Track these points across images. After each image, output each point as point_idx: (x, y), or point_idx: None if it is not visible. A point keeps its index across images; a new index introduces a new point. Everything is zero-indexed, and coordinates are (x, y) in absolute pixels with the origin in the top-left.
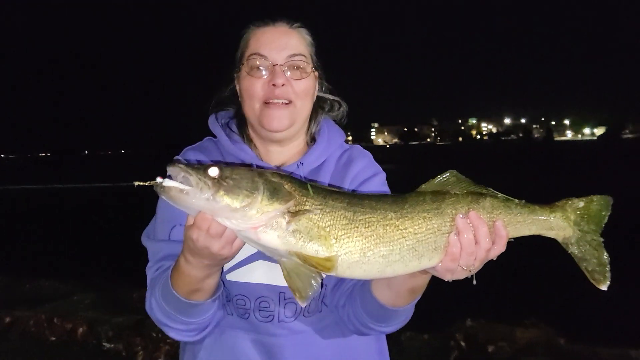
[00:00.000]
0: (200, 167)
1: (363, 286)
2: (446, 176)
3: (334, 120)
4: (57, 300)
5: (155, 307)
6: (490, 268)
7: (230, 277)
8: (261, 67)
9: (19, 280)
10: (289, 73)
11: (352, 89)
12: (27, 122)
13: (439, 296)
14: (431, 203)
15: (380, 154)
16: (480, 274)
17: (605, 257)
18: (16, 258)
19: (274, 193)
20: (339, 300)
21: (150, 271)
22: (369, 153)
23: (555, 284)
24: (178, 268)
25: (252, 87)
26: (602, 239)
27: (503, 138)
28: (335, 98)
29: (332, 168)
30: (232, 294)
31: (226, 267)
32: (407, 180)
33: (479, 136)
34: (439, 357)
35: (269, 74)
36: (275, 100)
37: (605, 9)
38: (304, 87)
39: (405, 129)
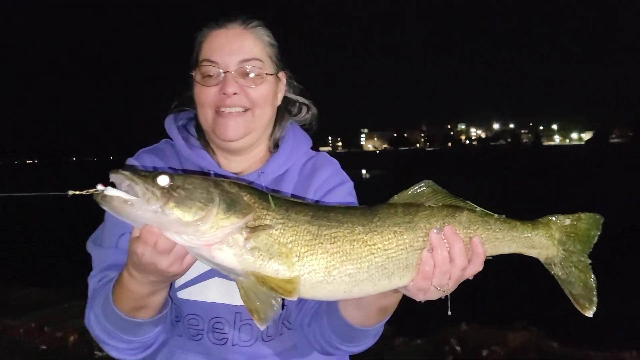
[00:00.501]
0: (149, 175)
1: (330, 305)
2: (420, 187)
3: (302, 126)
4: (47, 308)
5: (94, 322)
6: (482, 272)
7: (182, 294)
8: (212, 74)
9: (7, 288)
10: (242, 80)
11: (342, 95)
12: (12, 127)
13: (431, 301)
14: (403, 216)
15: (370, 160)
16: (475, 276)
17: (592, 280)
18: (3, 266)
19: (231, 205)
20: (303, 319)
21: (92, 281)
22: (336, 161)
23: (547, 288)
24: (121, 282)
25: (203, 96)
26: (589, 261)
27: (492, 143)
28: (304, 101)
29: (295, 177)
30: (183, 313)
31: (178, 283)
32: (397, 186)
33: (468, 141)
34: None
35: (220, 82)
36: (228, 110)
37: (594, 14)
38: (260, 94)
39: (395, 135)
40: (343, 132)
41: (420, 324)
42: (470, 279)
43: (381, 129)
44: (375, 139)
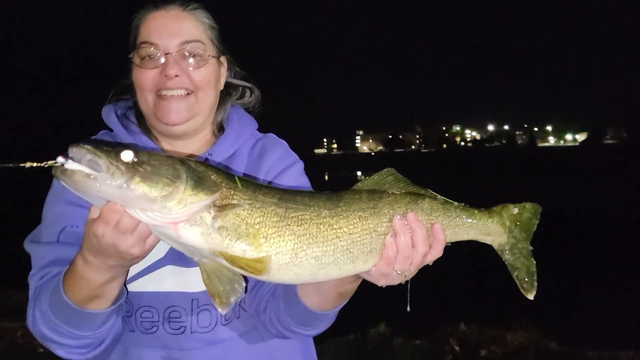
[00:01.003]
0: (112, 150)
1: (287, 289)
2: (384, 174)
3: (247, 109)
4: None
5: (40, 319)
6: (481, 271)
7: (133, 287)
8: (152, 57)
9: (4, 290)
10: (183, 62)
11: (337, 97)
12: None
13: (429, 301)
14: (368, 202)
15: (365, 162)
16: (474, 276)
17: (533, 266)
18: (0, 268)
19: (199, 183)
20: (259, 304)
21: (34, 279)
22: (284, 142)
23: (545, 289)
24: (74, 271)
25: (143, 79)
26: (531, 248)
27: (487, 144)
28: (247, 84)
29: (245, 159)
30: (134, 307)
31: (129, 274)
32: None
33: (463, 143)
34: None
35: (161, 65)
36: (170, 92)
37: (589, 15)
38: (203, 76)
39: (390, 136)
40: (338, 134)
41: (419, 324)
42: (430, 264)
43: (376, 131)
44: (371, 140)
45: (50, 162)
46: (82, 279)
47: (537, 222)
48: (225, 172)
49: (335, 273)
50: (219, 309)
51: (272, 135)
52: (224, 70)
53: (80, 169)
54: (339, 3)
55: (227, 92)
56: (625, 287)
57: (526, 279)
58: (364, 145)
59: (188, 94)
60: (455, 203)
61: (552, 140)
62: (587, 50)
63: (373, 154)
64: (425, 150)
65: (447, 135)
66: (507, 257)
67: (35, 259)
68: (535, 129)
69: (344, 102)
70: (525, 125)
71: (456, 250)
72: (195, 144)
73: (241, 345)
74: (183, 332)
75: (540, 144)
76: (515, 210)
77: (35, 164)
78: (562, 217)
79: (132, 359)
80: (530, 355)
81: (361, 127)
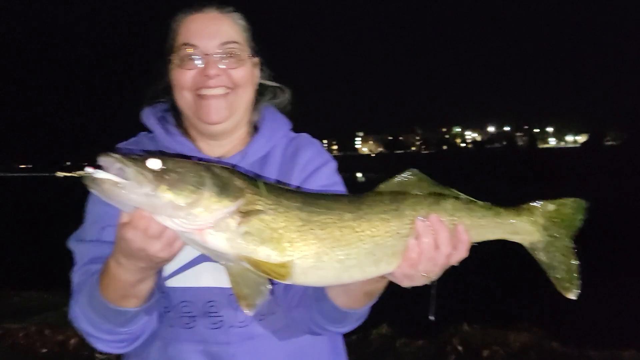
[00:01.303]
0: (138, 158)
1: (317, 288)
2: (407, 175)
3: (278, 109)
4: (47, 312)
5: (80, 315)
6: (482, 272)
7: (172, 283)
8: (192, 58)
9: (6, 292)
10: (223, 62)
11: (337, 99)
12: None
13: (433, 304)
14: (390, 204)
15: (366, 163)
16: (477, 276)
17: (574, 264)
18: (2, 269)
19: (223, 189)
20: (290, 301)
21: (75, 275)
22: (317, 141)
23: (547, 287)
24: (108, 272)
25: (183, 79)
26: (573, 245)
27: (487, 146)
28: (278, 85)
29: (278, 159)
30: (173, 302)
31: (167, 271)
32: None
33: (463, 144)
34: None
35: (202, 65)
36: (211, 92)
37: (589, 17)
38: (241, 75)
39: (390, 138)
40: (338, 135)
41: (422, 324)
42: (456, 265)
43: (376, 133)
44: (371, 142)
45: (80, 172)
46: (115, 279)
47: (581, 217)
48: (250, 177)
49: (359, 275)
50: (245, 311)
51: (305, 135)
52: (257, 71)
53: (109, 178)
54: (338, 4)
55: (260, 93)
56: (627, 287)
57: (566, 277)
58: (364, 147)
59: (227, 93)
60: (480, 202)
61: (552, 142)
62: (587, 51)
63: (373, 155)
64: (426, 152)
65: (447, 136)
66: (539, 255)
67: (78, 257)
68: (536, 130)
69: (344, 104)
70: (526, 127)
71: None
72: (230, 144)
73: (275, 341)
74: (221, 326)
75: (541, 146)
76: (552, 207)
77: (66, 174)
78: None
79: (172, 354)
80: (533, 355)
81: (361, 129)
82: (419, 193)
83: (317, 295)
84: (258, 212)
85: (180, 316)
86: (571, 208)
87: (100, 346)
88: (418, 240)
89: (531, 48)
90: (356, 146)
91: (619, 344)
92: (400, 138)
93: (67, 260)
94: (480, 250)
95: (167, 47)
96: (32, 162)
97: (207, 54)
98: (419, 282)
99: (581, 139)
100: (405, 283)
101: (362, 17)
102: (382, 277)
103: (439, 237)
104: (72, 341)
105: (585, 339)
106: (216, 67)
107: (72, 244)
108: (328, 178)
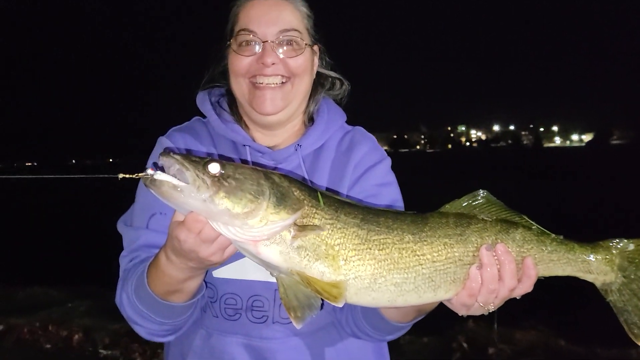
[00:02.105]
0: (199, 161)
1: None
2: (475, 197)
3: (334, 100)
4: (52, 308)
5: (126, 302)
6: None
7: (218, 273)
8: (250, 44)
9: (11, 288)
10: (280, 50)
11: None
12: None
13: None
14: (454, 228)
15: None
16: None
17: None
18: (8, 265)
19: (282, 200)
20: None
21: (124, 261)
22: (372, 136)
23: (554, 286)
24: (157, 265)
25: (240, 65)
26: None
27: (492, 145)
28: (337, 75)
29: (332, 153)
30: (219, 293)
31: None
32: (401, 188)
33: (468, 143)
34: None
35: (259, 52)
36: (267, 81)
37: (595, 14)
38: (299, 64)
39: (395, 136)
40: None
41: (428, 322)
42: (518, 298)
43: (381, 131)
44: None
45: (141, 174)
46: (164, 274)
47: None
48: (309, 187)
49: (415, 301)
50: (294, 323)
51: (360, 129)
52: (316, 60)
53: (169, 181)
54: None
55: (318, 82)
56: None
57: (638, 323)
58: None
59: (283, 82)
60: (553, 235)
61: (558, 141)
62: (592, 50)
63: None
64: (430, 151)
65: (452, 135)
66: (613, 297)
67: (126, 242)
68: (541, 129)
69: (348, 102)
70: (531, 126)
71: None
72: (285, 134)
73: (318, 339)
74: (265, 321)
75: (547, 144)
76: (631, 247)
77: (127, 175)
78: (572, 217)
79: (215, 344)
80: (540, 353)
81: (366, 127)
82: (486, 218)
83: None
84: (315, 227)
85: (225, 308)
86: None
87: (143, 334)
88: (481, 270)
89: (537, 46)
90: None
91: (626, 342)
92: (405, 136)
93: (71, 258)
94: None
95: (226, 31)
96: (35, 160)
97: (265, 41)
98: (477, 311)
99: (587, 137)
100: (462, 311)
101: (366, 13)
102: None
103: (504, 269)
104: (76, 337)
105: (592, 337)
106: (273, 54)
107: (121, 227)
108: (383, 177)
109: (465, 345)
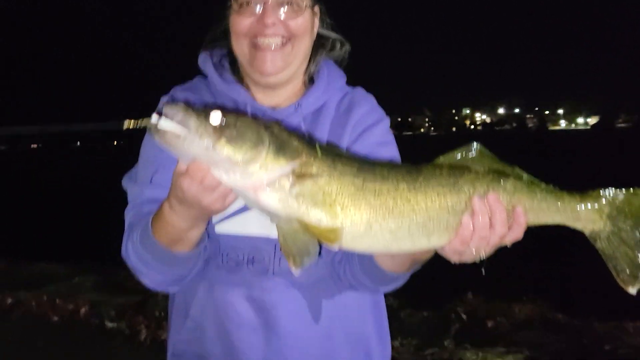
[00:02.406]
0: (202, 111)
1: None
2: (468, 149)
3: (335, 61)
4: (59, 283)
5: (132, 251)
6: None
7: (219, 228)
8: (251, 4)
9: (19, 263)
10: (281, 10)
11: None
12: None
13: (437, 273)
14: (448, 178)
15: None
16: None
17: (638, 257)
18: (15, 240)
19: (281, 148)
20: (335, 254)
21: (128, 214)
22: (372, 96)
23: (552, 259)
24: (161, 215)
25: (240, 25)
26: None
27: (497, 128)
28: (337, 36)
29: (332, 112)
30: (221, 247)
31: (216, 217)
32: None
33: (472, 126)
34: (438, 334)
35: (259, 12)
36: (267, 41)
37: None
38: (299, 24)
39: (399, 119)
40: None
41: (427, 295)
42: (508, 246)
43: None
44: None
45: (145, 121)
46: (168, 224)
47: None
48: (308, 139)
49: (409, 247)
50: (293, 269)
51: (360, 89)
52: (317, 21)
53: (172, 129)
54: None
55: (319, 44)
56: None
57: (628, 270)
58: None
59: (284, 43)
60: (543, 184)
61: (563, 124)
62: (598, 32)
63: None
64: (435, 134)
65: (456, 118)
66: (601, 245)
67: (131, 196)
68: (547, 112)
69: (352, 84)
70: (536, 109)
71: None
72: (285, 94)
73: (317, 290)
74: (265, 273)
75: (552, 127)
76: (620, 196)
77: (132, 125)
78: None
79: (217, 295)
80: (538, 327)
81: None
82: (479, 169)
83: (362, 255)
84: (312, 175)
85: (227, 261)
86: None
87: (148, 283)
88: (473, 217)
89: (541, 28)
90: None
91: (623, 315)
92: (409, 119)
93: (77, 233)
94: None
95: None
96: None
97: (265, 1)
98: (469, 259)
99: (592, 121)
100: (454, 258)
101: None
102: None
103: (495, 217)
104: (83, 310)
105: (590, 310)
106: (274, 15)
107: (126, 183)
108: (381, 137)
109: (464, 317)
